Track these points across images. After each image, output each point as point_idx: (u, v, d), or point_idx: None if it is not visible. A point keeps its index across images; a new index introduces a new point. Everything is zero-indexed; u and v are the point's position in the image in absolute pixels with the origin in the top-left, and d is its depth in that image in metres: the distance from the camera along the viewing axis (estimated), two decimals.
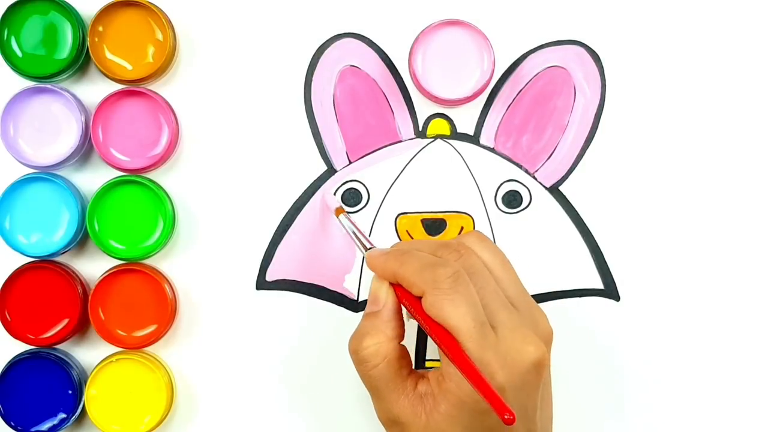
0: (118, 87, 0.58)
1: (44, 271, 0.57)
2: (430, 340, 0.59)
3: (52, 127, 0.57)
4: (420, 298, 0.46)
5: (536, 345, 0.45)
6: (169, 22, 0.58)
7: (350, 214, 0.55)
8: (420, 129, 0.59)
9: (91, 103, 0.58)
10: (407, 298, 0.47)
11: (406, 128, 0.59)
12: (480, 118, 0.59)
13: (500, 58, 0.59)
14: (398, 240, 0.59)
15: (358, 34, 0.59)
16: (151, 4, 0.57)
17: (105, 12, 0.57)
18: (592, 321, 0.59)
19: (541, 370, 0.46)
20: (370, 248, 0.51)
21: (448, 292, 0.45)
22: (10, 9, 0.57)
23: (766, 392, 0.59)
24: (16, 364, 0.57)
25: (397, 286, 0.48)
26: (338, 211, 0.55)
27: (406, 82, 0.59)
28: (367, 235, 0.54)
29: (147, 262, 0.59)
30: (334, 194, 0.59)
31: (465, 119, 0.59)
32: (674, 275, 0.59)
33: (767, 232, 0.59)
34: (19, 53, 0.57)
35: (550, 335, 0.48)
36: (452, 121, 0.59)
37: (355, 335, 0.48)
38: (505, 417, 0.40)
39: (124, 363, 0.57)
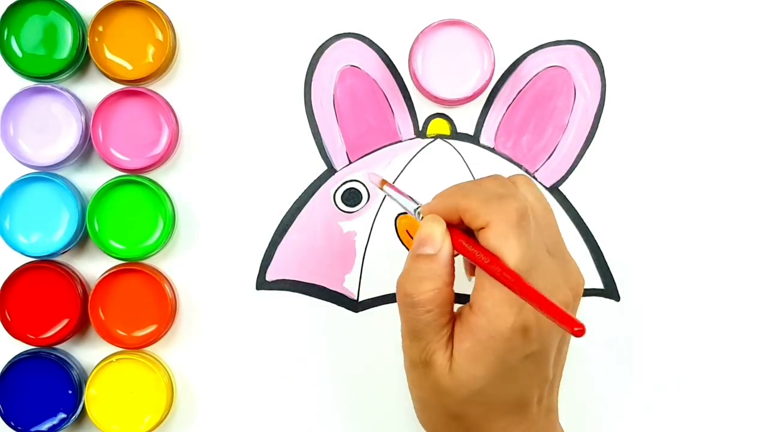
0: (118, 87, 0.58)
1: (44, 271, 0.57)
2: None
3: (52, 127, 0.57)
4: (479, 230, 0.46)
5: (564, 294, 0.46)
6: (169, 22, 0.58)
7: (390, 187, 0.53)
8: (420, 129, 0.59)
9: (91, 103, 0.58)
10: (458, 235, 0.47)
11: (406, 128, 0.59)
12: (480, 118, 0.59)
13: (500, 58, 0.59)
14: (398, 240, 0.59)
15: (358, 34, 0.59)
16: (151, 4, 0.57)
17: (105, 12, 0.57)
18: (592, 321, 0.59)
19: None
20: (418, 204, 0.50)
21: (515, 225, 0.44)
22: (10, 9, 0.57)
23: (766, 392, 0.59)
24: (16, 364, 0.57)
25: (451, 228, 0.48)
26: (382, 183, 0.53)
27: (406, 82, 0.59)
28: (410, 196, 0.53)
29: (147, 262, 0.59)
30: (334, 194, 0.59)
31: (465, 119, 0.59)
32: (674, 275, 0.59)
33: (767, 232, 0.59)
34: (19, 53, 0.57)
35: (581, 287, 0.48)
36: (452, 121, 0.59)
37: (410, 278, 0.46)
38: (575, 329, 0.40)
39: (124, 363, 0.57)
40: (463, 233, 0.46)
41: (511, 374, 0.46)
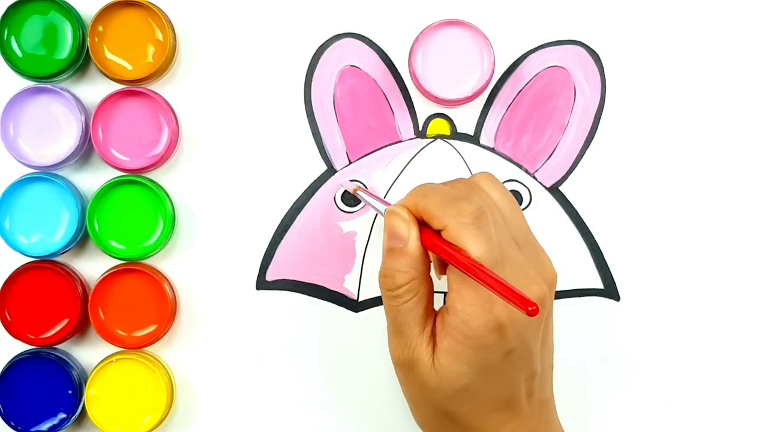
0: (118, 87, 0.58)
1: (44, 271, 0.57)
2: None
3: (52, 127, 0.57)
4: (439, 231, 0.47)
5: (539, 285, 0.47)
6: (169, 22, 0.58)
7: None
8: (420, 129, 0.59)
9: (91, 103, 0.58)
10: (426, 231, 0.48)
11: (406, 128, 0.59)
12: (480, 118, 0.59)
13: (500, 58, 0.59)
14: None
15: (358, 34, 0.59)
16: (151, 4, 0.57)
17: (105, 12, 0.57)
18: (592, 321, 0.59)
19: (542, 310, 0.47)
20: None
21: (470, 226, 0.45)
22: (10, 9, 0.57)
23: (766, 392, 0.59)
24: (16, 364, 0.57)
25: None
26: (355, 189, 0.56)
27: (406, 82, 0.59)
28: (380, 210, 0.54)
29: (147, 262, 0.59)
30: (334, 196, 0.59)
31: (465, 119, 0.59)
32: (674, 275, 0.59)
33: (767, 231, 0.59)
34: (19, 53, 0.57)
35: (554, 277, 0.49)
36: (452, 121, 0.59)
37: (387, 272, 0.48)
38: (529, 309, 0.41)
39: (124, 363, 0.57)
40: (432, 230, 0.47)
41: (493, 371, 0.47)
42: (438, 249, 0.47)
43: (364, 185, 0.58)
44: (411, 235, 0.48)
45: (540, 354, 0.48)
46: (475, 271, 0.44)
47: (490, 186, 0.49)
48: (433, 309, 0.49)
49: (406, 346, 0.48)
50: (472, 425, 0.48)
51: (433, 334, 0.48)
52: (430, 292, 0.49)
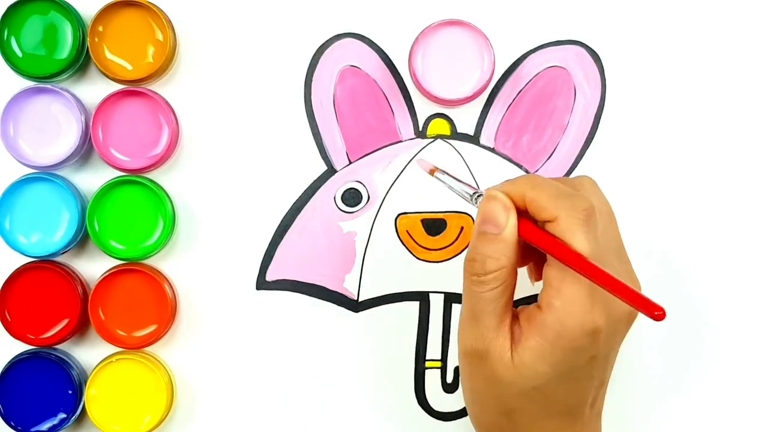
0: (118, 87, 0.58)
1: (44, 271, 0.57)
2: (430, 339, 0.59)
3: (52, 127, 0.57)
4: (545, 223, 0.45)
5: None
6: (169, 22, 0.58)
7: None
8: (420, 129, 0.59)
9: (91, 103, 0.58)
10: (526, 221, 0.46)
11: (406, 128, 0.59)
12: (480, 118, 0.59)
13: (500, 58, 0.59)
14: (398, 240, 0.59)
15: (358, 34, 0.59)
16: (151, 4, 0.57)
17: (105, 12, 0.57)
18: None
19: (630, 323, 0.47)
20: (477, 190, 0.50)
21: (583, 222, 0.44)
22: (10, 9, 0.57)
23: (766, 392, 0.59)
24: (16, 364, 0.57)
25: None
26: (432, 171, 0.52)
27: (406, 82, 0.59)
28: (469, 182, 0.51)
29: (147, 262, 0.59)
30: (334, 196, 0.59)
31: (465, 119, 0.59)
32: (674, 275, 0.59)
33: (767, 231, 0.59)
34: (19, 53, 0.57)
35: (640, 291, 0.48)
36: (452, 121, 0.59)
37: (477, 256, 0.46)
38: (656, 314, 0.40)
39: (124, 363, 0.57)
40: (531, 221, 0.46)
41: (572, 374, 0.46)
42: (541, 241, 0.45)
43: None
44: (509, 222, 0.46)
45: (611, 365, 0.48)
46: (590, 267, 0.43)
47: (592, 191, 0.48)
48: (513, 304, 0.47)
49: (481, 336, 0.46)
50: (531, 427, 0.47)
51: (511, 329, 0.46)
52: (515, 285, 0.47)
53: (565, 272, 0.44)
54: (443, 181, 0.51)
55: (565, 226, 0.44)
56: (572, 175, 0.59)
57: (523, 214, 0.46)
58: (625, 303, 0.42)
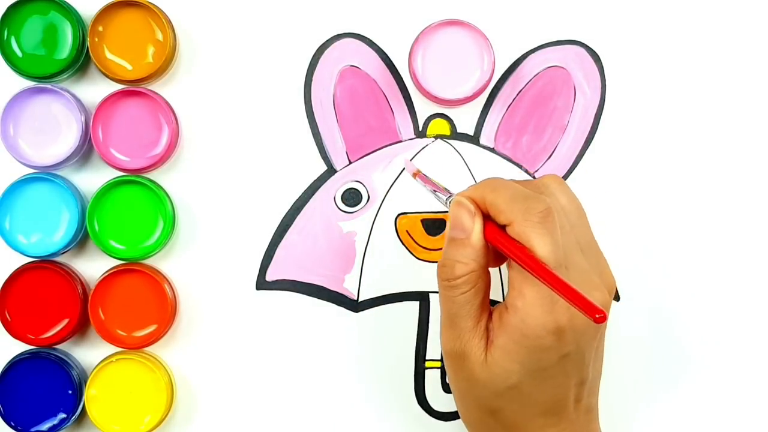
0: (118, 87, 0.58)
1: (44, 271, 0.57)
2: (430, 339, 0.59)
3: (52, 127, 0.57)
4: (504, 227, 0.46)
5: (601, 292, 0.47)
6: (169, 22, 0.58)
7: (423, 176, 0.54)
8: (420, 129, 0.59)
9: (91, 103, 0.58)
10: (491, 225, 0.47)
11: (406, 128, 0.59)
12: (480, 118, 0.59)
13: (500, 58, 0.59)
14: (398, 240, 0.59)
15: (358, 34, 0.59)
16: (151, 4, 0.57)
17: (105, 12, 0.57)
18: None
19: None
20: (450, 195, 0.51)
21: (537, 225, 0.45)
22: (10, 9, 0.57)
23: (766, 392, 0.59)
24: (16, 364, 0.57)
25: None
26: (415, 173, 0.54)
27: (406, 82, 0.59)
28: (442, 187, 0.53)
29: (147, 262, 0.59)
30: (334, 196, 0.59)
31: (465, 119, 0.59)
32: (674, 275, 0.59)
33: (767, 231, 0.59)
34: (19, 53, 0.57)
35: (614, 285, 0.49)
36: (452, 121, 0.59)
37: (447, 261, 0.48)
38: (596, 316, 0.40)
39: (124, 363, 0.57)
40: (496, 225, 0.47)
41: (546, 373, 0.46)
42: (502, 244, 0.46)
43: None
44: (475, 228, 0.47)
45: (593, 362, 0.48)
46: (542, 271, 0.44)
47: (559, 189, 0.49)
48: (489, 304, 0.48)
49: (458, 338, 0.47)
50: (517, 425, 0.48)
51: (487, 330, 0.47)
52: (487, 286, 0.48)
53: (525, 274, 0.45)
54: (422, 185, 0.53)
55: (519, 229, 0.45)
56: (572, 175, 0.59)
57: (489, 217, 0.48)
58: (570, 305, 0.42)
